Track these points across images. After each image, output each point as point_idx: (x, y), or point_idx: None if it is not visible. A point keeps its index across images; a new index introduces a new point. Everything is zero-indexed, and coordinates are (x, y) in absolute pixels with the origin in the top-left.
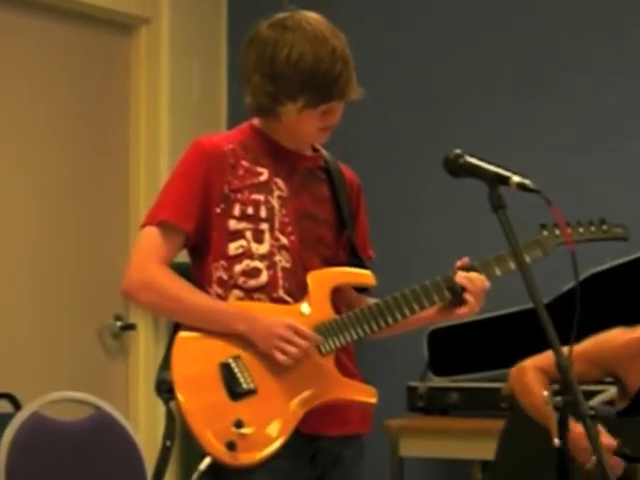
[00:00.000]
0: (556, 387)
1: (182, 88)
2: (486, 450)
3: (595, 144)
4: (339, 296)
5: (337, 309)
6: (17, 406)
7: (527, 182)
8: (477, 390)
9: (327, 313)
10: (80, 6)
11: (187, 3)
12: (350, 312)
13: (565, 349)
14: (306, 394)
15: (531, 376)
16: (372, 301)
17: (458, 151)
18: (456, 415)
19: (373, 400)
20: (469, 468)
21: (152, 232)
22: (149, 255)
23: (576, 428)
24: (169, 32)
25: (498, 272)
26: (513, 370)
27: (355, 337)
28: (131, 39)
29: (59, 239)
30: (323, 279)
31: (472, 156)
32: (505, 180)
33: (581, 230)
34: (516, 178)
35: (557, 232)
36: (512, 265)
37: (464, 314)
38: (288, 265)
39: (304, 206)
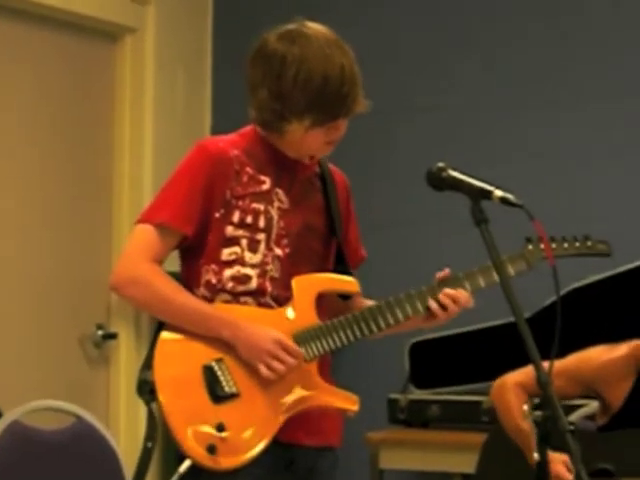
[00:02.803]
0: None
1: (166, 97)
2: (466, 463)
3: (579, 160)
4: (322, 302)
5: (320, 315)
6: None
7: (510, 196)
8: (458, 403)
9: (311, 319)
10: (65, 14)
11: (172, 13)
12: (335, 318)
13: (546, 364)
14: (289, 399)
15: (511, 396)
16: (363, 303)
17: (441, 164)
18: (437, 428)
19: (355, 408)
20: None
21: (148, 230)
22: (142, 252)
23: (556, 465)
24: (154, 41)
25: (482, 283)
26: (495, 385)
27: (339, 344)
28: (116, 48)
29: (41, 248)
30: (308, 284)
31: (455, 170)
32: (488, 194)
33: (566, 245)
34: (499, 192)
35: (542, 246)
36: (496, 277)
37: (438, 324)
38: (277, 275)
39: (303, 219)
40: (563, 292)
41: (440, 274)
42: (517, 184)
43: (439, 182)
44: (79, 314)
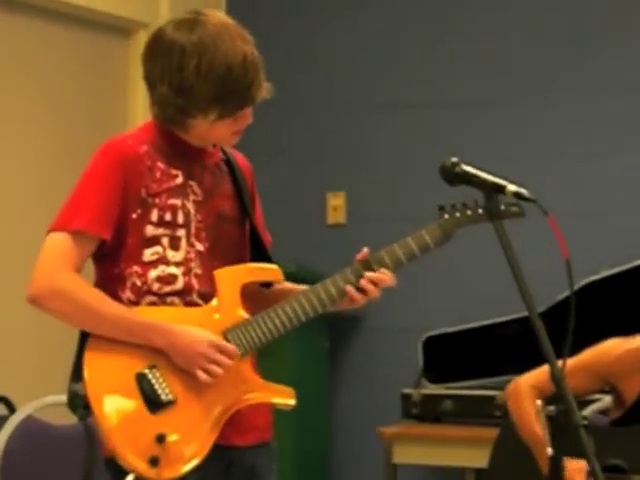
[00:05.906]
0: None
1: None
2: (479, 458)
3: (590, 152)
4: (245, 293)
5: (245, 307)
6: (12, 409)
7: (523, 191)
8: (471, 398)
9: (239, 313)
10: (78, 10)
11: (185, 8)
12: (263, 312)
13: (561, 362)
14: (226, 400)
15: (527, 402)
16: (288, 287)
17: (454, 159)
18: (450, 423)
19: (292, 402)
20: (462, 475)
21: (63, 238)
22: (60, 261)
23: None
24: None
25: (402, 256)
26: (509, 390)
27: (270, 337)
28: (129, 43)
29: None
30: (231, 277)
31: (468, 164)
32: (501, 189)
33: (457, 215)
34: (512, 187)
35: (457, 215)
36: (415, 247)
37: (359, 304)
38: (200, 271)
39: (216, 208)
40: (578, 286)
41: (359, 255)
42: (531, 180)
43: (453, 177)
44: None
